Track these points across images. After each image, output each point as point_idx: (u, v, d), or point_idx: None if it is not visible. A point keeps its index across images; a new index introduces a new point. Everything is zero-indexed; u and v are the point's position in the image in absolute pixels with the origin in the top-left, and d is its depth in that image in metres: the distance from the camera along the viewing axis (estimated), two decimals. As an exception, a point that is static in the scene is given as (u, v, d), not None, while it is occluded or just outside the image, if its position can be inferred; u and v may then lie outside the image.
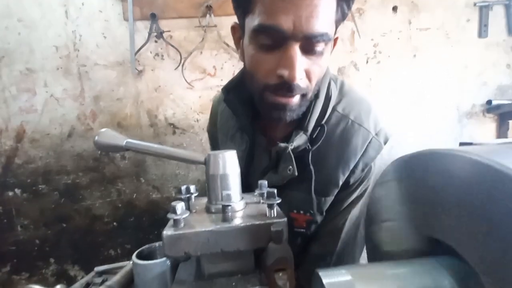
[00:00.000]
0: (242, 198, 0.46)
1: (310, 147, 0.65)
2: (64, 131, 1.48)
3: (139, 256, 0.48)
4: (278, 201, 0.39)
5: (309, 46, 0.56)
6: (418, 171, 0.34)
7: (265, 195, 0.41)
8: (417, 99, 1.53)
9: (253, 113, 0.72)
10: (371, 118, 0.69)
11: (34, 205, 1.51)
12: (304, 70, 0.58)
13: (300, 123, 0.67)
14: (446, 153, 0.30)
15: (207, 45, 1.47)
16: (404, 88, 1.52)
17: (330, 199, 0.69)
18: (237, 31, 0.67)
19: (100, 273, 0.55)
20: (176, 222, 0.37)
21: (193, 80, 1.49)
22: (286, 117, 0.62)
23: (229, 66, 1.50)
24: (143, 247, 0.50)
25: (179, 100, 1.51)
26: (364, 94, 0.75)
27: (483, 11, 1.48)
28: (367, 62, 1.51)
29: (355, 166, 0.68)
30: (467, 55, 1.51)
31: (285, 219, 0.38)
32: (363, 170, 0.68)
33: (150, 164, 1.52)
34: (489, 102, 1.53)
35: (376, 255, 0.42)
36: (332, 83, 0.72)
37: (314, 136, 0.67)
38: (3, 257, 1.53)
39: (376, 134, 0.68)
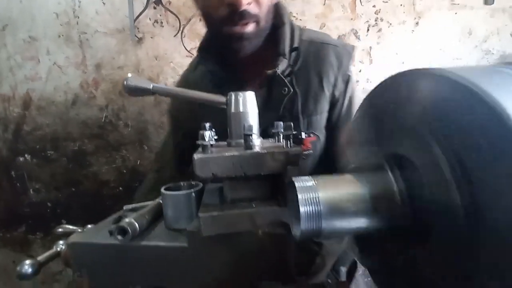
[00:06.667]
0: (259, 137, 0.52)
1: (292, 69, 0.74)
2: (69, 99, 1.50)
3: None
4: (294, 133, 0.44)
5: None
6: (388, 92, 0.36)
7: (282, 130, 0.46)
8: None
9: (229, 69, 0.78)
10: (332, 38, 0.84)
11: (44, 170, 1.56)
12: None
13: (273, 57, 0.74)
14: (415, 72, 0.32)
15: (206, 11, 1.46)
16: (405, 57, 1.49)
17: (324, 116, 0.78)
18: None
19: (128, 210, 0.61)
20: (204, 148, 0.42)
21: (192, 48, 1.46)
22: (245, 47, 0.68)
23: (227, 34, 1.49)
24: (169, 184, 0.55)
25: (179, 68, 1.50)
26: None
27: (491, -24, 1.39)
28: (368, 30, 1.49)
29: (336, 79, 0.77)
30: (471, 22, 1.45)
31: (300, 147, 0.44)
32: (343, 81, 0.78)
33: (152, 132, 1.54)
34: (490, 72, 1.51)
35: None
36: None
37: (291, 61, 0.75)
38: (19, 218, 1.60)
39: (343, 46, 0.81)
